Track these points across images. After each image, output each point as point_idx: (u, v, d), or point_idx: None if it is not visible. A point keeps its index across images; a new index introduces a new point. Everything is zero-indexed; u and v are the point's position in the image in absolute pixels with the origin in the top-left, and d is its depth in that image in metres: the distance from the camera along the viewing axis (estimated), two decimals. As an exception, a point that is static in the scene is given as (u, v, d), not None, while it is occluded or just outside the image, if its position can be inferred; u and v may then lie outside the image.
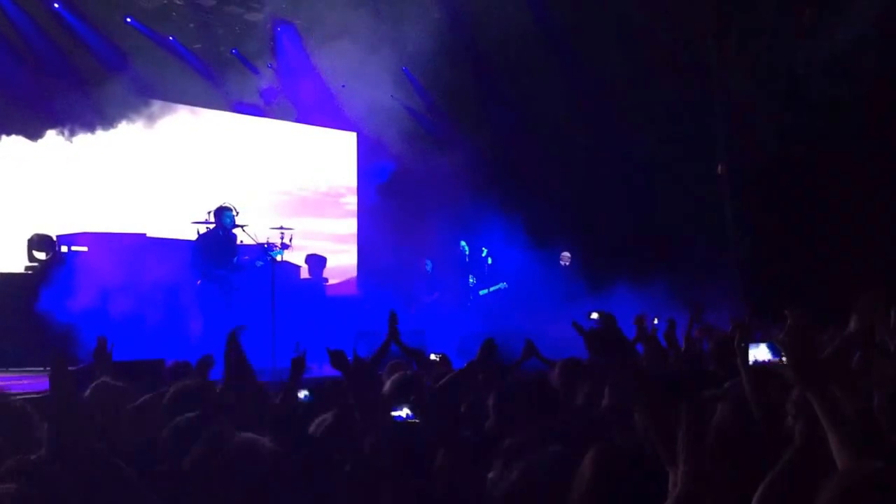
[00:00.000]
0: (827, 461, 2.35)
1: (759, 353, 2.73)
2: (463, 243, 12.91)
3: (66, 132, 11.63)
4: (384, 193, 14.90)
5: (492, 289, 12.88)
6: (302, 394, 4.59)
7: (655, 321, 8.46)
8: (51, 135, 11.53)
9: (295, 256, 12.06)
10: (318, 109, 14.52)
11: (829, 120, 12.12)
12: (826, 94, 11.90)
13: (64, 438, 2.54)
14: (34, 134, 11.37)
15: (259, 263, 10.09)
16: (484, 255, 12.93)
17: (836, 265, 11.60)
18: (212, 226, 10.30)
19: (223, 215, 9.91)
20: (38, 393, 6.65)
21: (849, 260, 11.60)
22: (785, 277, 11.97)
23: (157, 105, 12.51)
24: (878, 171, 12.07)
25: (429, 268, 12.89)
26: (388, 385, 4.03)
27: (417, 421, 3.02)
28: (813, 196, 12.79)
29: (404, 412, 3.02)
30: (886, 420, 2.85)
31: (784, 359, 2.54)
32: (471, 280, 12.83)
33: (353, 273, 14.92)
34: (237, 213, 10.41)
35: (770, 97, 12.81)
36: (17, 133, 11.25)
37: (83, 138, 11.79)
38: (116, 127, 12.03)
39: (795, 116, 12.37)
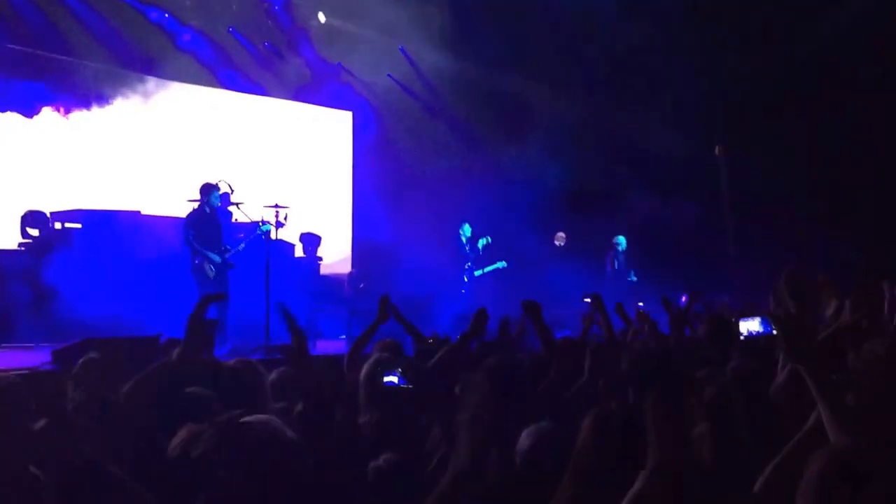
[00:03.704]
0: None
1: (752, 325, 2.74)
2: (466, 226, 12.87)
3: (62, 109, 11.57)
4: (379, 172, 14.87)
5: (488, 269, 12.86)
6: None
7: (641, 304, 8.55)
8: (45, 112, 11.46)
9: (290, 235, 12.04)
10: (314, 88, 14.46)
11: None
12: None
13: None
14: (29, 111, 11.30)
15: (241, 246, 10.03)
16: (482, 244, 12.88)
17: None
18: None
19: (209, 193, 9.84)
20: (30, 369, 6.67)
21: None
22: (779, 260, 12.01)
23: (152, 82, 12.44)
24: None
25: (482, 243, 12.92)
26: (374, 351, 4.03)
27: (409, 386, 3.00)
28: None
29: (395, 377, 3.00)
30: (875, 399, 2.87)
31: (776, 332, 2.56)
32: (467, 264, 12.82)
33: (348, 252, 14.90)
34: (232, 190, 10.35)
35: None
36: (12, 110, 11.18)
37: (77, 115, 11.73)
38: (111, 104, 11.97)
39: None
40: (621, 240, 13.70)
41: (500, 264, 12.85)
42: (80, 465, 2.52)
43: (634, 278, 13.49)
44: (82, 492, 2.50)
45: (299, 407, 3.36)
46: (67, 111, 11.66)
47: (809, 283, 3.47)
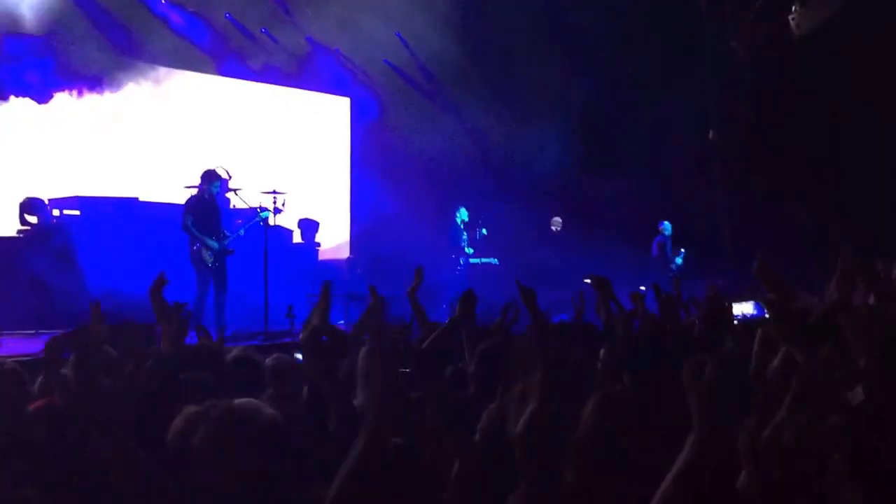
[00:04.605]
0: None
1: (744, 308, 2.77)
2: (462, 210, 12.88)
3: (74, 92, 11.54)
4: (377, 158, 14.86)
5: (483, 260, 12.93)
6: (298, 356, 4.63)
7: (642, 289, 8.57)
8: (45, 98, 11.42)
9: (288, 221, 12.05)
10: (312, 74, 14.43)
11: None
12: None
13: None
14: (39, 96, 11.26)
15: (240, 232, 10.03)
16: (480, 234, 12.92)
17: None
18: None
19: (210, 181, 9.83)
20: (29, 356, 6.68)
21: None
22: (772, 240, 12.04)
23: (147, 68, 12.39)
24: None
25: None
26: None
27: (406, 370, 3.00)
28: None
29: None
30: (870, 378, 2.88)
31: (768, 315, 2.59)
32: (468, 249, 12.84)
33: (346, 237, 14.92)
34: (230, 176, 10.34)
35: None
36: (19, 95, 11.15)
37: (76, 102, 11.70)
38: (106, 91, 11.93)
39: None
40: (667, 225, 13.67)
41: (493, 261, 12.97)
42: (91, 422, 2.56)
43: (680, 261, 13.50)
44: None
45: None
46: (81, 94, 11.64)
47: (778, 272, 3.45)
